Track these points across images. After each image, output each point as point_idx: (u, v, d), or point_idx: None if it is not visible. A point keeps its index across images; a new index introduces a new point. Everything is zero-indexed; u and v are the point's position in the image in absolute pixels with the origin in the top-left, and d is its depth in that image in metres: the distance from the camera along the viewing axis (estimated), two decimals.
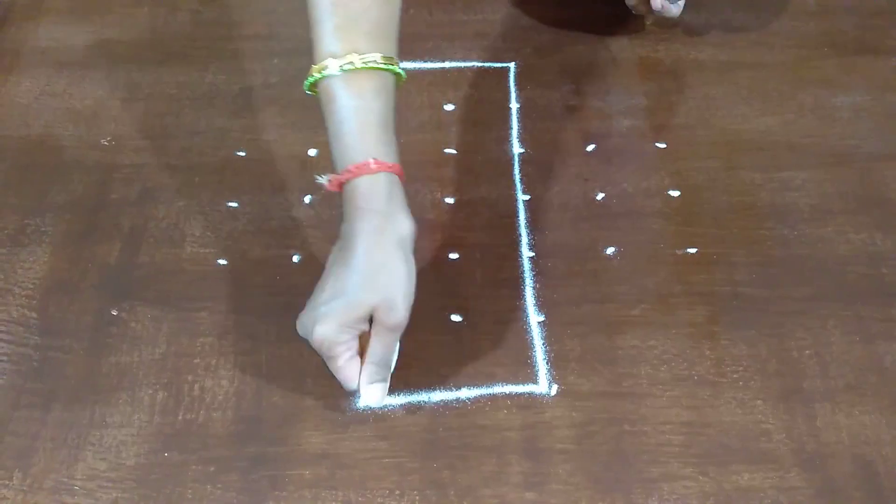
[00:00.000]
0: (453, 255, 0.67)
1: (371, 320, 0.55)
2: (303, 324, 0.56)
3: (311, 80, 0.58)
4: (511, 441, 0.56)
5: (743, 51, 0.84)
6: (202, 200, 0.71)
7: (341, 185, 0.56)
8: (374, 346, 0.55)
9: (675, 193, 0.71)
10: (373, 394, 0.56)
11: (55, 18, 0.88)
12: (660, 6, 0.81)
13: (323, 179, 0.57)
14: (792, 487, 0.54)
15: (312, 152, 0.75)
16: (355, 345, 0.55)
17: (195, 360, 0.60)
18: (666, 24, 0.85)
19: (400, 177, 0.57)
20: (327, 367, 0.56)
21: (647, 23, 0.86)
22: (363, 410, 0.58)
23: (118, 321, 0.62)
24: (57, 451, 0.56)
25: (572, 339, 0.61)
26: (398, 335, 0.56)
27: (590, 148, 0.75)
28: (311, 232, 0.68)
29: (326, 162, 0.74)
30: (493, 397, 0.58)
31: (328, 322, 0.54)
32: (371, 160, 0.55)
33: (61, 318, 0.63)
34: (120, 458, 0.55)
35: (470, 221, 0.69)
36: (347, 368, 0.55)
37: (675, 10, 0.82)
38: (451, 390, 0.59)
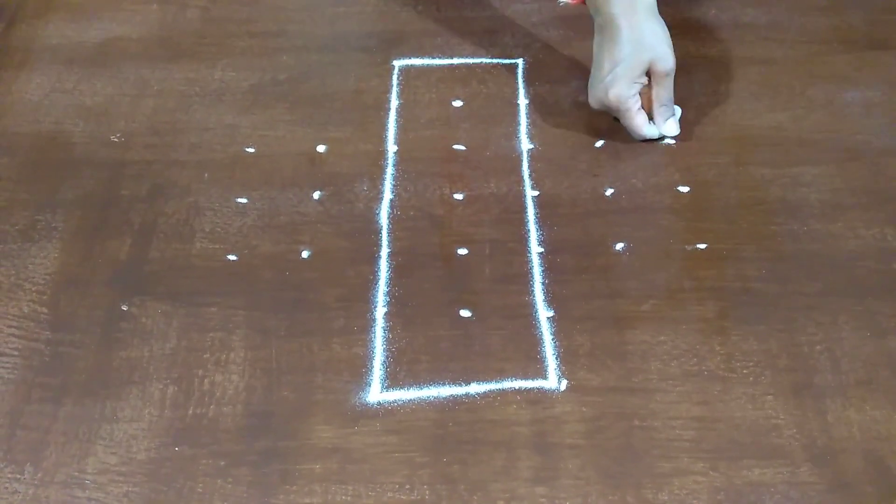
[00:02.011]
0: (462, 251, 0.67)
1: (648, 75, 0.71)
2: (595, 95, 0.72)
3: None
4: (521, 436, 0.56)
5: (753, 46, 0.84)
6: (212, 196, 0.71)
7: None
8: (658, 92, 0.72)
9: (684, 189, 0.71)
10: (670, 126, 0.74)
11: (65, 16, 0.88)
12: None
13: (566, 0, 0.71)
14: (803, 483, 0.54)
15: (321, 148, 0.75)
16: (639, 99, 0.72)
17: (205, 355, 0.60)
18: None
19: None
20: (622, 121, 0.72)
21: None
22: (373, 404, 0.58)
23: (129, 316, 0.63)
24: (68, 445, 0.56)
25: (582, 335, 0.61)
26: (672, 78, 0.72)
27: (599, 144, 0.75)
28: (320, 227, 0.69)
29: (335, 158, 0.74)
30: (503, 392, 0.58)
31: (618, 83, 0.70)
32: None
33: (72, 314, 0.63)
34: (131, 452, 0.55)
35: (479, 217, 0.69)
36: (638, 117, 0.72)
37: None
38: (461, 385, 0.59)
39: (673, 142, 0.74)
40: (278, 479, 0.54)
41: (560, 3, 0.75)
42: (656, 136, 0.73)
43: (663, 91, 0.72)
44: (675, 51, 0.72)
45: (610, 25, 0.71)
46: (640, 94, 0.72)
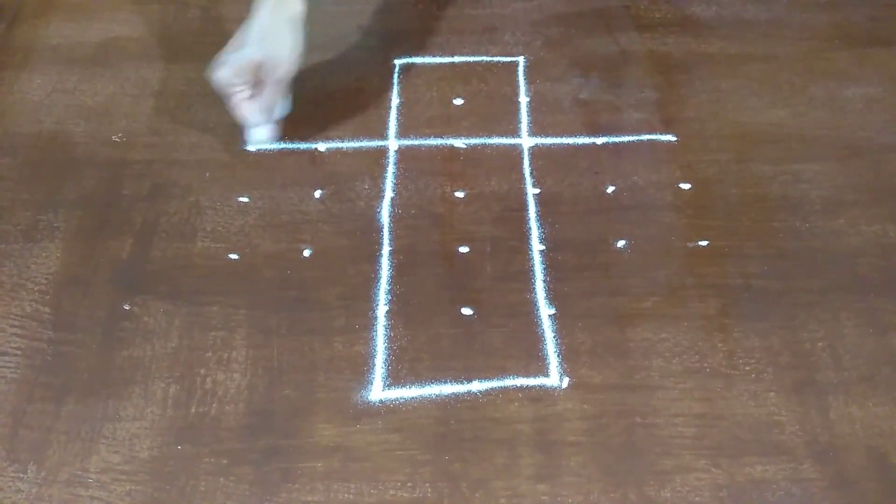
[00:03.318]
0: (463, 249, 0.67)
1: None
2: (211, 69, 0.70)
3: None
4: (523, 433, 0.56)
5: (754, 43, 0.84)
6: (213, 195, 0.71)
7: None
8: (264, 94, 0.70)
9: (686, 186, 0.71)
10: (257, 134, 0.72)
11: (66, 16, 0.88)
12: None
13: None
14: (805, 479, 0.54)
15: (322, 147, 0.75)
16: (248, 92, 0.70)
17: (207, 354, 0.60)
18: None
19: None
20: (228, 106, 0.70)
21: None
22: (375, 402, 0.58)
23: (131, 315, 0.63)
24: (71, 444, 0.56)
25: (583, 332, 0.61)
26: (280, 88, 0.70)
27: (600, 141, 0.75)
28: (321, 226, 0.69)
29: (336, 157, 0.74)
30: (505, 390, 0.58)
31: (225, 68, 0.69)
32: None
33: (74, 313, 0.63)
34: (133, 450, 0.56)
35: (480, 215, 0.69)
36: (240, 108, 0.71)
37: None
38: (463, 383, 0.59)
39: (675, 139, 0.73)
40: (280, 478, 0.54)
41: None
42: (251, 140, 0.73)
43: (267, 95, 0.70)
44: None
45: (252, 17, 0.70)
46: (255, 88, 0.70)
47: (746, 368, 0.59)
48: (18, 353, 0.61)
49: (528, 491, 0.53)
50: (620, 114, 0.77)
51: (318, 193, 0.71)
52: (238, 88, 0.70)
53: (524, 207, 0.70)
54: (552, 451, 0.55)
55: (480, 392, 0.58)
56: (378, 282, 0.65)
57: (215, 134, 0.76)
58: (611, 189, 0.71)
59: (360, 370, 0.59)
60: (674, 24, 0.85)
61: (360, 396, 0.58)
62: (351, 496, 0.53)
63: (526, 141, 0.75)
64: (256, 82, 0.70)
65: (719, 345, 0.60)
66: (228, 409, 0.58)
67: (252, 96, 0.71)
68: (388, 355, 0.60)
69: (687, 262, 0.65)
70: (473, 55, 0.83)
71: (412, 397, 0.58)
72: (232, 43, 0.71)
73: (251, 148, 0.73)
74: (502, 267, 0.65)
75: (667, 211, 0.69)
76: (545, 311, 0.63)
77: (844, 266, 0.65)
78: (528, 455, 0.55)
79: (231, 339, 0.61)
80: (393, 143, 0.75)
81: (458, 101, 0.79)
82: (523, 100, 0.79)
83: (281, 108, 0.73)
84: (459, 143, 0.75)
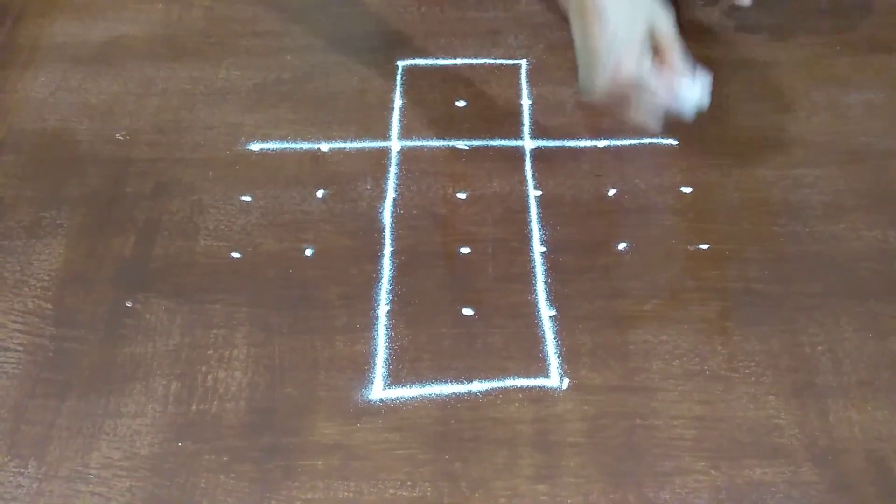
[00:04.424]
0: (465, 250, 0.67)
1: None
2: (599, 83, 0.63)
3: None
4: (523, 434, 0.56)
5: (755, 48, 0.84)
6: (216, 194, 0.71)
7: None
8: (669, 56, 0.63)
9: (687, 190, 0.71)
10: (689, 91, 0.64)
11: (71, 14, 0.89)
12: None
13: None
14: (804, 482, 0.54)
15: (325, 147, 0.75)
16: (654, 76, 0.62)
17: (209, 352, 0.61)
18: (734, 13, 0.83)
19: None
20: (645, 102, 0.64)
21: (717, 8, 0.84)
22: (375, 402, 0.58)
23: (133, 313, 0.63)
24: (72, 439, 0.56)
25: (584, 334, 0.61)
26: (677, 35, 0.63)
27: (602, 144, 0.75)
28: (324, 226, 0.69)
29: (338, 157, 0.75)
30: (505, 390, 0.59)
31: (625, 61, 0.61)
32: None
33: (76, 310, 0.63)
34: (134, 447, 0.56)
35: (482, 216, 0.69)
36: (661, 90, 0.63)
37: None
38: (463, 383, 0.59)
39: (676, 143, 0.73)
40: (281, 476, 0.54)
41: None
42: (696, 101, 0.64)
43: (673, 53, 0.63)
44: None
45: (589, 3, 0.62)
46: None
47: (746, 371, 0.59)
48: (20, 348, 0.61)
49: (528, 491, 0.54)
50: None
51: (320, 193, 0.71)
52: (650, 73, 0.62)
53: (526, 209, 0.70)
54: (552, 452, 0.55)
55: (481, 392, 0.58)
56: (379, 282, 0.65)
57: (218, 133, 0.76)
58: (612, 192, 0.71)
59: (361, 369, 0.60)
60: (677, 29, 0.86)
61: (361, 395, 0.58)
62: (351, 494, 0.53)
63: (528, 143, 0.75)
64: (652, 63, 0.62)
65: (719, 348, 0.61)
66: (229, 406, 0.58)
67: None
68: (389, 355, 0.60)
69: (688, 265, 0.66)
70: (476, 58, 0.83)
71: (413, 397, 0.58)
72: (589, 46, 0.63)
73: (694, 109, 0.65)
74: (503, 268, 0.66)
75: (668, 214, 0.69)
76: (546, 312, 0.63)
77: (845, 270, 0.65)
78: (527, 455, 0.55)
79: (232, 337, 0.61)
80: (395, 144, 0.75)
81: (461, 103, 0.79)
82: (525, 102, 0.79)
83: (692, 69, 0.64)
84: (462, 144, 0.75)
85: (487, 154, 0.74)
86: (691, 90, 0.64)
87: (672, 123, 0.77)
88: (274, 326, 0.62)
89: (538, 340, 0.61)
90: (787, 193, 0.71)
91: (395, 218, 0.69)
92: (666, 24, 0.63)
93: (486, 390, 0.59)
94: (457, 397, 0.58)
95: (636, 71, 0.62)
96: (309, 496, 0.53)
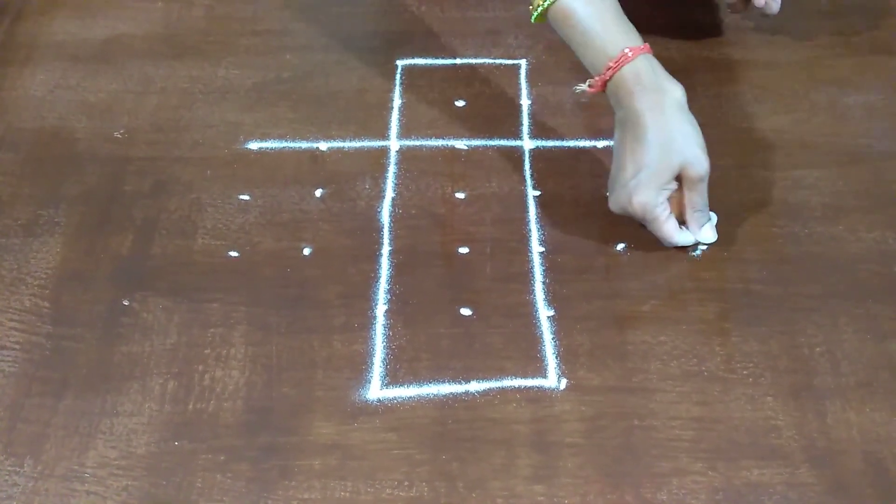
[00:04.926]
0: (463, 250, 0.67)
1: (678, 180, 0.63)
2: (617, 201, 0.64)
3: (540, 9, 0.66)
4: (520, 434, 0.56)
5: (756, 49, 0.84)
6: (214, 193, 0.71)
7: (605, 83, 0.64)
8: (691, 197, 0.64)
9: None
10: (707, 233, 0.65)
11: (70, 13, 0.89)
12: (763, 2, 0.78)
13: (583, 87, 0.66)
14: (802, 484, 0.54)
15: (324, 147, 0.75)
16: (668, 205, 0.64)
17: (206, 351, 0.60)
18: (762, 20, 0.83)
19: (651, 53, 0.64)
20: (651, 229, 0.64)
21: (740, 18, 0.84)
22: (373, 401, 0.58)
23: (130, 311, 0.63)
24: (68, 438, 0.56)
25: (582, 334, 0.61)
26: (706, 183, 0.63)
27: (601, 145, 0.75)
28: (322, 225, 0.69)
29: (337, 156, 0.74)
30: (503, 391, 0.58)
31: (644, 190, 0.62)
32: (626, 49, 0.63)
33: (74, 308, 0.63)
34: (130, 446, 0.55)
35: (481, 216, 0.69)
36: (668, 224, 0.64)
37: (776, 5, 0.79)
38: (461, 383, 0.59)
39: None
40: (277, 475, 0.54)
41: (576, 90, 0.67)
42: (690, 244, 0.65)
43: (697, 196, 0.63)
44: (683, 85, 0.64)
45: (634, 122, 0.62)
46: (668, 199, 0.64)
47: (744, 372, 0.59)
48: (17, 347, 0.61)
49: (525, 491, 0.53)
50: None
51: (318, 192, 0.71)
52: (663, 208, 0.63)
53: (524, 209, 0.70)
54: (549, 452, 0.55)
55: (478, 392, 0.58)
56: (378, 281, 0.65)
57: (217, 132, 0.76)
58: None
59: (359, 369, 0.59)
60: (676, 29, 0.86)
61: (359, 395, 0.58)
62: (347, 494, 0.53)
63: (527, 143, 0.75)
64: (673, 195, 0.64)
65: (718, 349, 0.61)
66: (226, 406, 0.58)
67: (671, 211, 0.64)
68: (387, 354, 0.60)
69: (686, 265, 0.66)
70: (476, 57, 0.83)
71: (410, 397, 0.58)
72: (624, 165, 0.63)
73: (712, 239, 0.65)
74: (502, 268, 0.66)
75: None
76: (544, 312, 0.63)
77: (844, 272, 0.65)
78: (525, 456, 0.55)
79: (230, 337, 0.61)
80: (394, 144, 0.75)
81: (460, 103, 0.79)
82: (525, 102, 0.79)
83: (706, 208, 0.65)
84: (461, 144, 0.75)
85: (486, 154, 0.74)
86: (704, 231, 0.65)
87: None
88: (272, 326, 0.62)
89: (536, 341, 0.61)
90: (787, 194, 0.71)
91: (394, 217, 0.69)
92: (699, 170, 0.62)
93: (484, 390, 0.58)
94: (454, 397, 0.58)
95: (649, 205, 0.63)
96: (306, 496, 0.53)
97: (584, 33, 0.64)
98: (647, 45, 0.64)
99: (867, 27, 0.86)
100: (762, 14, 0.80)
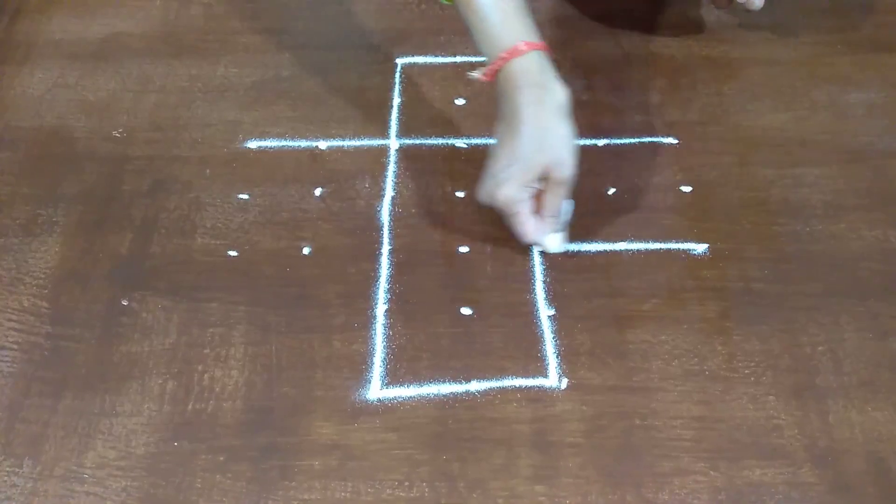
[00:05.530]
0: (463, 249, 0.67)
1: (543, 180, 0.62)
2: (485, 190, 0.64)
3: None
4: (521, 434, 0.56)
5: (756, 47, 0.84)
6: (213, 192, 0.71)
7: (495, 73, 0.63)
8: (549, 200, 0.63)
9: (686, 189, 0.71)
10: (552, 241, 0.64)
11: (68, 11, 0.88)
12: None
13: (476, 74, 0.65)
14: (804, 483, 0.53)
15: (323, 145, 0.75)
16: (531, 203, 0.63)
17: (205, 351, 0.60)
18: (746, 16, 0.83)
19: (546, 51, 0.63)
20: (509, 224, 0.64)
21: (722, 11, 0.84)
22: (373, 401, 0.57)
23: (129, 311, 0.62)
24: (67, 439, 0.56)
25: (582, 334, 0.61)
26: (567, 188, 0.63)
27: (601, 143, 0.75)
28: (321, 224, 0.68)
29: (337, 155, 0.74)
30: (503, 390, 0.58)
31: (510, 184, 0.62)
32: (520, 42, 0.62)
33: (72, 308, 0.63)
34: (129, 446, 0.55)
35: (480, 215, 0.69)
36: (527, 223, 0.63)
37: (759, 1, 0.78)
38: (461, 383, 0.59)
39: (676, 142, 0.70)
40: (277, 475, 0.54)
41: (469, 76, 0.66)
42: (544, 248, 0.65)
43: (554, 200, 0.63)
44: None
45: (513, 115, 0.62)
46: (533, 197, 0.63)
47: (746, 372, 0.59)
48: (16, 347, 0.60)
49: (526, 491, 0.53)
50: (622, 116, 0.77)
51: (318, 191, 0.71)
52: (524, 204, 0.63)
53: None
54: (550, 452, 0.55)
55: (479, 392, 0.58)
56: (377, 280, 0.64)
57: (216, 131, 0.76)
58: (612, 191, 0.71)
59: (359, 369, 0.59)
60: (676, 27, 0.85)
61: (359, 395, 0.58)
62: (348, 494, 0.53)
63: None
64: (538, 193, 0.63)
65: (719, 348, 0.60)
66: (226, 405, 0.57)
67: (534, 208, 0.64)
68: (387, 354, 0.60)
69: (687, 264, 0.65)
70: (476, 55, 0.83)
71: (410, 396, 0.58)
72: (498, 156, 0.63)
73: (555, 249, 0.65)
74: (502, 267, 0.65)
75: (667, 213, 0.69)
76: (545, 311, 0.63)
77: (845, 270, 0.65)
78: (525, 455, 0.55)
79: (229, 336, 0.61)
80: (394, 142, 0.75)
81: (460, 101, 0.79)
82: None
83: (567, 210, 0.65)
84: (461, 142, 0.75)
85: (487, 152, 0.74)
86: (549, 238, 0.65)
87: (670, 121, 0.77)
88: (271, 325, 0.62)
89: (537, 340, 0.61)
90: (787, 193, 0.71)
91: (394, 216, 0.69)
92: (564, 173, 0.62)
93: (485, 390, 0.58)
94: (455, 397, 0.58)
95: (512, 199, 0.62)
96: (306, 496, 0.53)
97: (483, 20, 0.64)
98: (545, 44, 0.63)
99: (868, 25, 0.86)
100: (745, 9, 0.80)
